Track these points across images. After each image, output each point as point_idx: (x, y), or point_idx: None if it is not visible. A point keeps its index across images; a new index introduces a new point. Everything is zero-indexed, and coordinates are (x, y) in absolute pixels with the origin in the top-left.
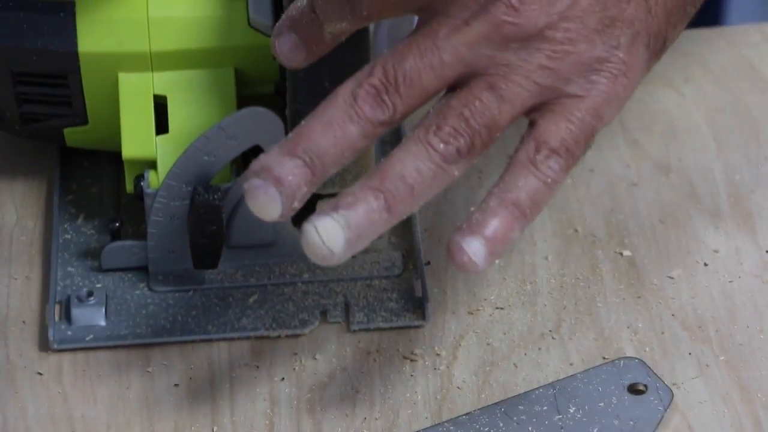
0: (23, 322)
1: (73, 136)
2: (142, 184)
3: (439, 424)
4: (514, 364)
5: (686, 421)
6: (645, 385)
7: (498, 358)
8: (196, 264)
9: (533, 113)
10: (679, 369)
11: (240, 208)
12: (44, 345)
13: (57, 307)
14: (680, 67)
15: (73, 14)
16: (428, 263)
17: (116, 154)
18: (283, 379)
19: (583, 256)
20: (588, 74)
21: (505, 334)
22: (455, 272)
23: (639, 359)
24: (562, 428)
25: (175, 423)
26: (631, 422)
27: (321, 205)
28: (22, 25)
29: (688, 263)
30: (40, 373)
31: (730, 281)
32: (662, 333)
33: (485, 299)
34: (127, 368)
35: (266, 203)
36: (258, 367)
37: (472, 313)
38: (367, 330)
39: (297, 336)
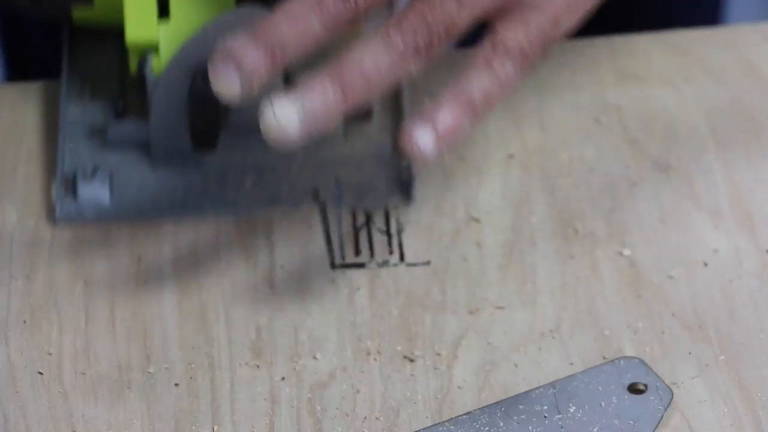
0: (23, 322)
1: (79, 15)
2: (144, 67)
3: (439, 423)
4: (515, 363)
5: (686, 420)
6: (645, 385)
7: (498, 358)
8: (195, 147)
9: (493, 17)
10: (679, 368)
11: None
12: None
13: (63, 183)
14: (680, 67)
15: None
16: (428, 263)
17: (122, 35)
18: (283, 379)
19: (583, 256)
20: None
21: (505, 333)
22: (456, 272)
23: (639, 359)
24: (562, 428)
25: (175, 423)
26: (631, 422)
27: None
28: None
29: (688, 263)
30: (40, 373)
31: (730, 281)
32: (662, 332)
33: (485, 299)
34: (128, 368)
35: (226, 84)
36: (258, 366)
37: (472, 313)
38: (356, 210)
39: (291, 215)
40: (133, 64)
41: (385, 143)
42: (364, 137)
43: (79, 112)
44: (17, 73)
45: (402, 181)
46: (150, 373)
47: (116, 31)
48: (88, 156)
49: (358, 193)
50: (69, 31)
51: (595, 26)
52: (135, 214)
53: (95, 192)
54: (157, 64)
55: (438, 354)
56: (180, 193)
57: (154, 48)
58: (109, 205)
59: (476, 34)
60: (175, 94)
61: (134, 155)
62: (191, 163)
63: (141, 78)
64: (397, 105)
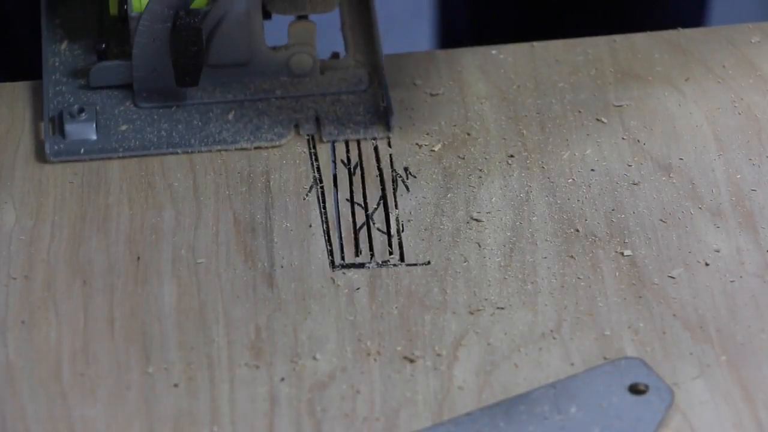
0: (22, 322)
1: None
2: (126, 7)
3: (439, 424)
4: (515, 364)
5: (687, 421)
6: (646, 385)
7: (499, 358)
8: (178, 82)
9: None
10: (680, 369)
11: (218, 29)
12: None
13: (50, 124)
14: (681, 66)
15: None
16: (428, 263)
17: None
18: (283, 379)
19: (584, 256)
20: None
21: (505, 333)
22: (456, 272)
23: (640, 359)
24: (562, 428)
25: (175, 423)
26: (632, 422)
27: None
28: None
29: (690, 263)
30: (39, 373)
31: (731, 281)
32: (663, 333)
33: (486, 299)
34: (127, 368)
35: None
36: (257, 367)
37: (472, 313)
38: (338, 141)
39: (275, 147)
40: (113, 5)
41: (362, 76)
42: (340, 71)
43: (62, 54)
44: (4, 73)
45: (381, 113)
46: (149, 373)
47: None
48: (73, 97)
49: (339, 127)
50: None
51: (594, 26)
52: (123, 150)
53: (82, 129)
54: (137, 3)
55: (438, 354)
56: (165, 129)
57: None
58: (96, 142)
59: (477, 34)
60: (157, 30)
61: (118, 95)
62: (174, 100)
63: (122, 18)
64: (370, 39)
